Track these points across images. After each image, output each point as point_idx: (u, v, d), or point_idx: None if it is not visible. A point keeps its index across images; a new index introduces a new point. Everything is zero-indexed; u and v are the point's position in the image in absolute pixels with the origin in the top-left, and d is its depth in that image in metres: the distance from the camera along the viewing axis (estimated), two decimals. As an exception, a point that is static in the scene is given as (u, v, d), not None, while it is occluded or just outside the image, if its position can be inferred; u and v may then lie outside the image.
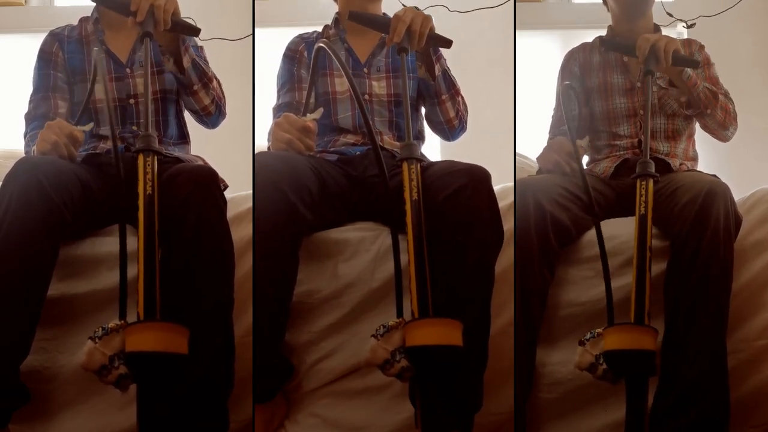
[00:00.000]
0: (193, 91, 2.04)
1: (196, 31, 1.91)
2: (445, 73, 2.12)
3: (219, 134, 2.24)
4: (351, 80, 1.77)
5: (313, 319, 1.88)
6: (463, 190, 1.74)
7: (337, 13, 2.27)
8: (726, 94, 2.18)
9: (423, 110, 2.25)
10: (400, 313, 1.66)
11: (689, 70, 2.00)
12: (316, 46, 1.95)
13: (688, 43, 2.30)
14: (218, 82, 2.11)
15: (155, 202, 1.63)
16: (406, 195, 1.69)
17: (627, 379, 1.71)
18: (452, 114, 2.16)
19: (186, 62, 1.97)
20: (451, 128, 2.19)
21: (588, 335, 1.72)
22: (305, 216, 1.81)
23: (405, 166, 1.72)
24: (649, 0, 2.26)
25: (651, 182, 1.83)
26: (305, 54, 2.20)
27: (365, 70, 2.18)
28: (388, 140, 2.14)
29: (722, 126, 2.14)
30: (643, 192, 1.81)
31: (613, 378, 1.71)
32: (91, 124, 1.96)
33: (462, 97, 2.18)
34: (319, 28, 2.30)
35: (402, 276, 1.71)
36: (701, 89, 2.05)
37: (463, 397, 1.73)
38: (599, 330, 1.72)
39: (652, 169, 1.84)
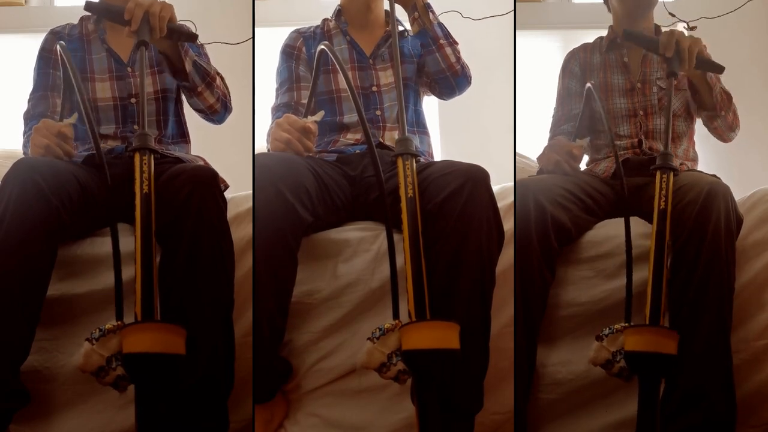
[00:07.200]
0: (198, 92, 2.03)
1: (193, 38, 1.90)
2: (441, 24, 2.12)
3: (219, 134, 2.24)
4: (349, 82, 1.74)
5: (312, 319, 1.88)
6: (462, 191, 1.73)
7: (339, 5, 2.26)
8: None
9: (423, 101, 2.24)
10: (396, 315, 1.63)
11: None
12: (318, 49, 1.92)
13: (689, 42, 2.29)
14: (221, 77, 2.10)
15: (152, 202, 1.63)
16: (401, 192, 1.65)
17: (640, 379, 1.70)
18: (453, 59, 2.13)
19: (187, 67, 1.96)
20: (454, 74, 2.15)
21: (606, 330, 1.71)
22: (304, 217, 1.80)
23: (399, 162, 1.69)
24: (653, 0, 2.26)
25: (671, 175, 1.79)
26: (303, 50, 2.20)
27: (371, 61, 2.18)
28: (390, 136, 2.13)
29: (730, 128, 2.15)
30: (664, 186, 1.77)
31: (628, 376, 1.71)
32: (75, 115, 1.92)
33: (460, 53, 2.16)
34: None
35: (401, 277, 1.69)
36: (718, 90, 2.04)
37: (463, 399, 1.73)
38: (617, 326, 1.70)
39: (673, 162, 1.81)
